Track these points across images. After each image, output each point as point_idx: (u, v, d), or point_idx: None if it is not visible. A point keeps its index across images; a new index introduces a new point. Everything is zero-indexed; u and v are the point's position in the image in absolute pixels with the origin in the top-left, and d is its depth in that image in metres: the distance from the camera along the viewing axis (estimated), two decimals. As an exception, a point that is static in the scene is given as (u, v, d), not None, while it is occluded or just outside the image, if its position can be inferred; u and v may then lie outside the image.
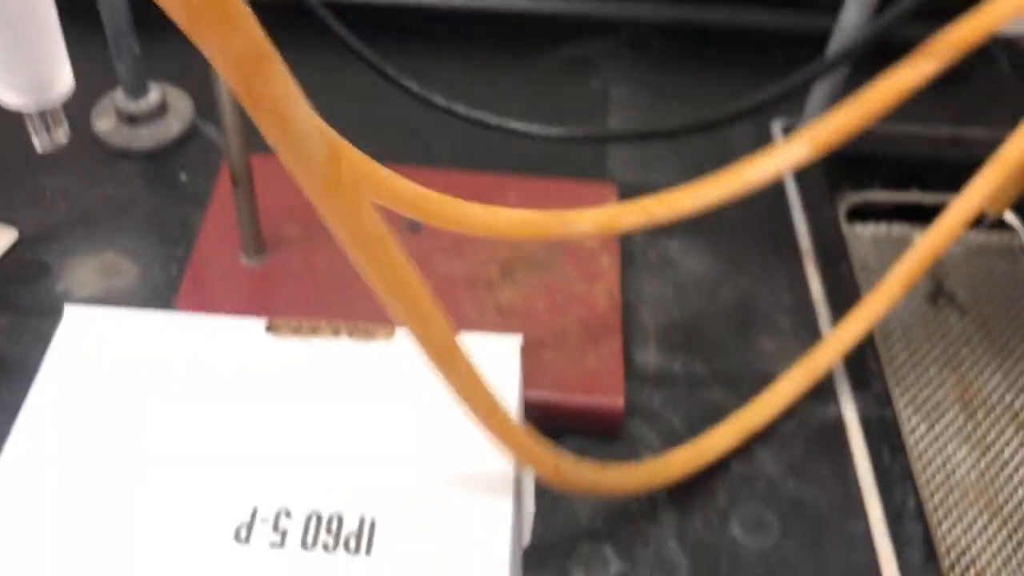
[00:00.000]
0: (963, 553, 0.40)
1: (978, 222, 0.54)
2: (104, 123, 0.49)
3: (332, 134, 0.28)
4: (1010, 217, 0.54)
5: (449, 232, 0.44)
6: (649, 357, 0.43)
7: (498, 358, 0.34)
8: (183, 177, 0.49)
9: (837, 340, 0.40)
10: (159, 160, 0.49)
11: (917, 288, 0.50)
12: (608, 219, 0.37)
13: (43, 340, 0.32)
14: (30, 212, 0.46)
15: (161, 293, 0.43)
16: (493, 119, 0.43)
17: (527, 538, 0.36)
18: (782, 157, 0.38)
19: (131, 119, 0.49)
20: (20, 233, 0.45)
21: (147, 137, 0.49)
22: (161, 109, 0.49)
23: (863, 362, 0.43)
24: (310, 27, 0.38)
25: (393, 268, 0.19)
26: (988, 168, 0.37)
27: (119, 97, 0.49)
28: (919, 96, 0.55)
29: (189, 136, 0.50)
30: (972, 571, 0.40)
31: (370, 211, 0.18)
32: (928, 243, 0.38)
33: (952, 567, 0.40)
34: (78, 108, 0.50)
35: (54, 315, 0.33)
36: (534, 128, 0.42)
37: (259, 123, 0.16)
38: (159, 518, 0.29)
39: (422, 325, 0.20)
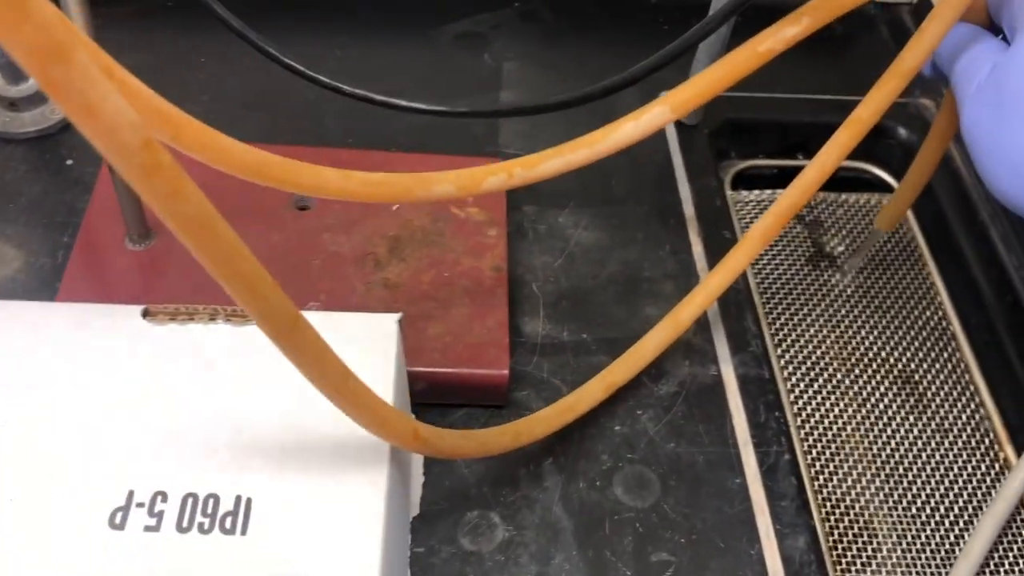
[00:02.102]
0: (838, 504, 0.42)
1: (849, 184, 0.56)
2: (-16, 109, 0.48)
3: (170, 109, 0.28)
4: (889, 179, 0.56)
5: (337, 210, 0.45)
6: (538, 327, 0.44)
7: (377, 335, 0.34)
8: (69, 162, 0.48)
9: (699, 295, 0.41)
10: (45, 145, 0.49)
11: (799, 251, 0.52)
12: (469, 180, 0.37)
13: (-87, 334, 0.32)
14: (-92, 202, 0.45)
15: (46, 281, 0.43)
16: (379, 96, 0.43)
17: (415, 508, 0.37)
18: (644, 120, 0.38)
19: (12, 104, 0.48)
20: (-102, 224, 0.44)
21: (29, 122, 0.48)
22: (42, 93, 0.48)
23: (743, 324, 0.44)
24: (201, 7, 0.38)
25: (223, 249, 0.20)
26: (843, 129, 0.38)
27: (-1, 82, 0.48)
28: (801, 64, 0.57)
29: (75, 120, 0.50)
30: (846, 519, 0.42)
31: (194, 193, 0.19)
32: (786, 201, 0.40)
33: (827, 517, 0.42)
34: (-44, 94, 0.49)
35: (-76, 308, 0.32)
36: (419, 104, 0.43)
37: (65, 112, 0.16)
38: (34, 506, 0.29)
39: (259, 304, 0.21)
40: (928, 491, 0.43)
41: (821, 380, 0.46)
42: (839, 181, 0.56)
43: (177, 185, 0.18)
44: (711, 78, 0.37)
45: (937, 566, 0.41)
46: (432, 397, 0.40)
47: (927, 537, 0.42)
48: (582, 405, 0.39)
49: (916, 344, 0.48)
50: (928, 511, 0.43)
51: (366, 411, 0.26)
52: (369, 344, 0.34)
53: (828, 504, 0.42)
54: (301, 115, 0.52)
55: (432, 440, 0.30)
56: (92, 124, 0.17)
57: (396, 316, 0.35)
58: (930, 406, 0.46)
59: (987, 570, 0.40)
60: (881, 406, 0.46)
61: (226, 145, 0.30)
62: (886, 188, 0.56)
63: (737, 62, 0.37)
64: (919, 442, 0.45)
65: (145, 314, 0.34)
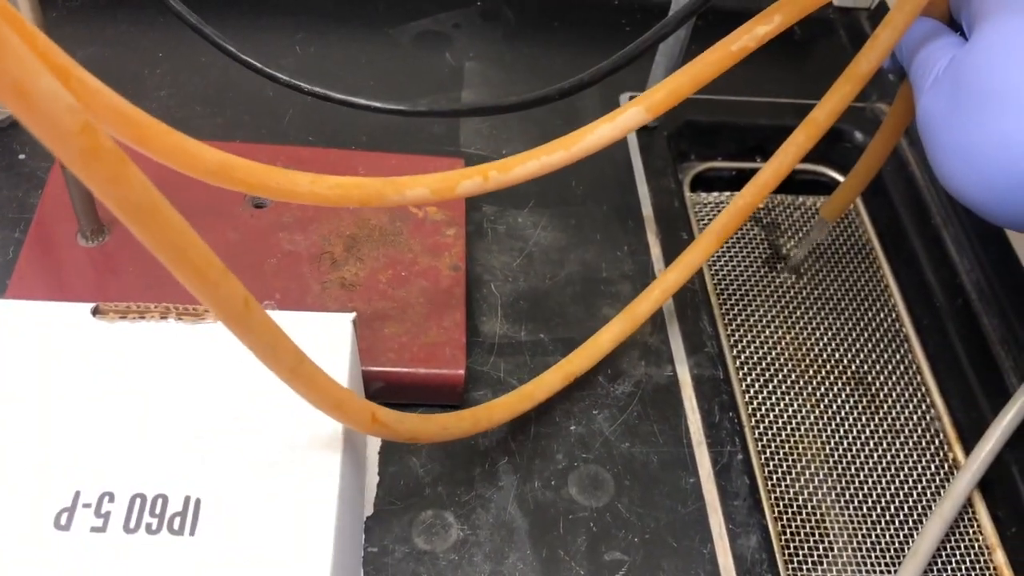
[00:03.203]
0: (791, 503, 0.43)
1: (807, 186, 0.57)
2: (-67, 102, 0.47)
3: (134, 111, 0.28)
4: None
5: (293, 208, 0.44)
6: (495, 327, 0.44)
7: (330, 335, 0.34)
8: (22, 156, 0.47)
9: (655, 290, 0.42)
10: (-4, 139, 0.48)
11: (756, 253, 0.52)
12: (444, 183, 0.37)
13: None
14: None
15: (-3, 277, 0.42)
16: (337, 94, 0.43)
17: (369, 508, 0.37)
18: (619, 121, 0.38)
19: (-38, 98, 0.47)
20: None
21: (-19, 116, 0.47)
22: (-5, 87, 0.48)
23: (698, 325, 0.45)
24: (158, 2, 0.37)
25: (170, 235, 0.19)
26: (800, 130, 0.39)
27: (-51, 75, 0.47)
28: (762, 68, 0.57)
29: (28, 114, 0.49)
30: (799, 518, 0.42)
31: (137, 178, 0.18)
32: (742, 200, 0.40)
33: (780, 516, 0.42)
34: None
35: None
36: (378, 103, 0.42)
37: (-1, 98, 0.16)
38: (-24, 507, 0.28)
39: (210, 290, 0.21)
40: (879, 490, 0.44)
41: (776, 380, 0.47)
42: (795, 183, 0.57)
43: (119, 170, 0.18)
44: (685, 78, 0.37)
45: (887, 564, 0.41)
46: (389, 396, 0.40)
47: (878, 535, 0.42)
48: (541, 393, 0.39)
49: (869, 345, 0.49)
50: (879, 510, 0.43)
51: (322, 393, 0.26)
52: (323, 343, 0.33)
53: (781, 503, 0.43)
54: (260, 112, 0.52)
55: (391, 423, 0.30)
56: (27, 108, 0.16)
57: (350, 315, 0.35)
58: (882, 407, 0.47)
59: (934, 568, 0.41)
60: (834, 406, 0.46)
61: (193, 149, 0.29)
62: (842, 191, 0.56)
63: (710, 62, 0.37)
64: (871, 442, 0.45)
65: (95, 312, 0.33)
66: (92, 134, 0.18)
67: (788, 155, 0.41)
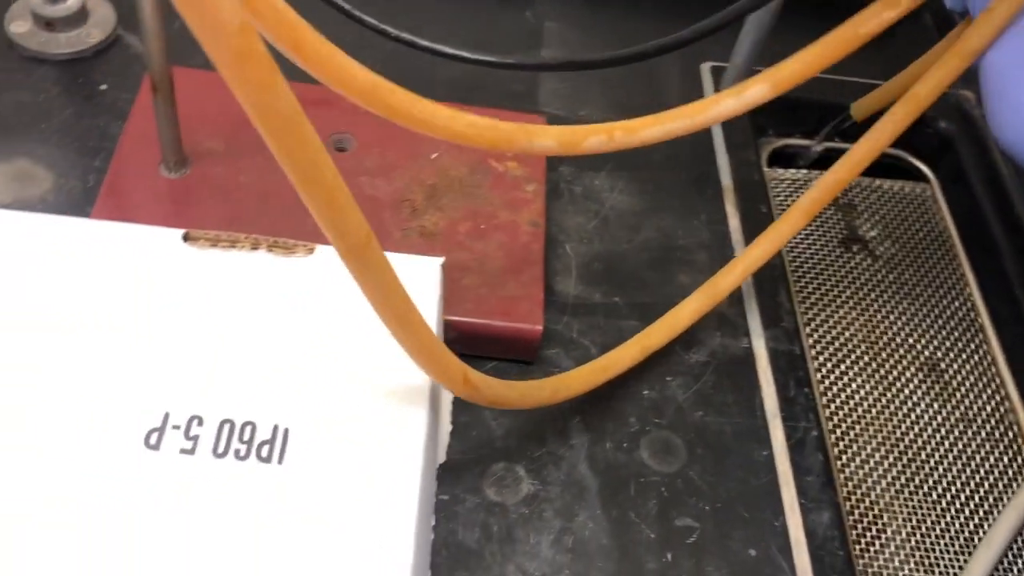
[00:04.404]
0: (860, 484, 0.42)
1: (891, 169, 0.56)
2: (19, 26, 0.47)
3: (293, 16, 0.27)
4: (925, 169, 0.55)
5: (375, 154, 0.44)
6: (569, 287, 0.43)
7: (418, 278, 0.34)
8: (103, 87, 0.47)
9: (738, 266, 0.41)
10: (78, 68, 0.48)
11: (832, 233, 0.51)
12: (571, 137, 0.36)
13: (-52, 241, 0.31)
14: (-62, 114, 0.45)
15: (76, 204, 0.42)
16: (424, 42, 0.42)
17: (442, 455, 0.37)
18: (744, 97, 0.38)
19: (48, 24, 0.47)
20: (-73, 136, 0.43)
21: (65, 43, 0.47)
22: (80, 15, 0.48)
23: (776, 300, 0.44)
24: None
25: (307, 153, 0.19)
26: (899, 104, 0.38)
27: (36, 0, 0.47)
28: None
29: (111, 46, 0.49)
30: (867, 500, 0.42)
31: (284, 90, 0.18)
32: (833, 176, 0.39)
33: (849, 496, 0.42)
34: (-9, 9, 0.48)
35: (-39, 216, 0.32)
36: (464, 52, 0.42)
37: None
38: (68, 422, 0.28)
39: (336, 216, 0.20)
40: (948, 479, 0.43)
41: (848, 362, 0.46)
42: (875, 166, 0.56)
43: (270, 78, 0.17)
44: (811, 57, 0.36)
45: (955, 553, 0.41)
46: (462, 348, 0.39)
47: (946, 524, 0.42)
48: (619, 365, 0.38)
49: (943, 333, 0.48)
50: (948, 499, 0.42)
51: (422, 346, 0.26)
52: (412, 285, 0.33)
53: (849, 484, 0.42)
54: (339, 58, 0.51)
55: (480, 386, 0.30)
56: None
57: (439, 260, 0.34)
58: (954, 395, 0.46)
59: (1005, 562, 0.40)
60: (906, 392, 0.46)
61: (346, 65, 0.29)
62: (921, 178, 0.55)
63: (838, 42, 0.37)
64: (942, 430, 0.45)
65: (186, 238, 0.33)
66: (249, 35, 0.17)
67: (885, 131, 0.40)
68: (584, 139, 0.35)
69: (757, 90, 0.37)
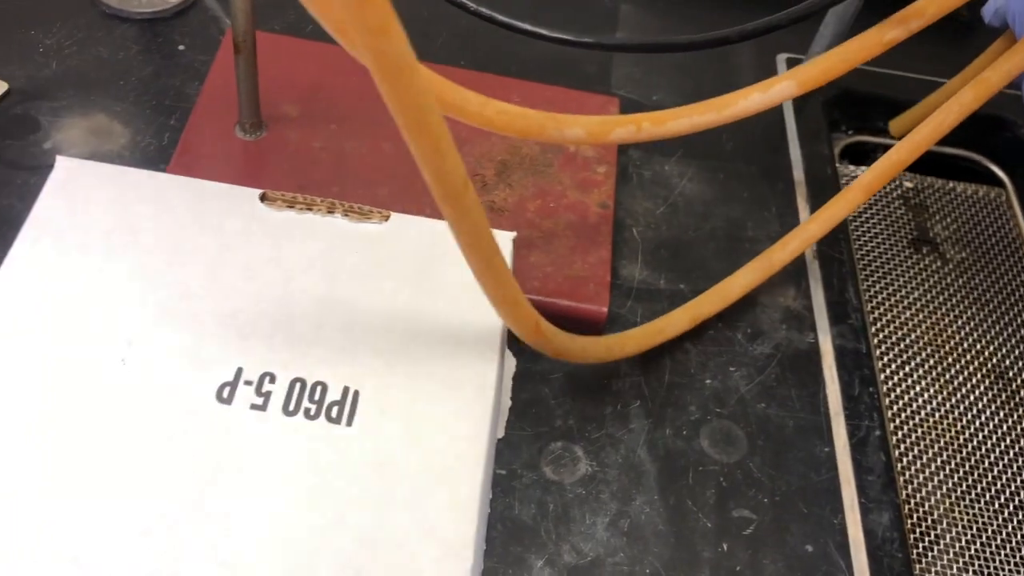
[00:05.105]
0: (920, 488, 0.41)
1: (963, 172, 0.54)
2: (103, -16, 0.48)
3: None
4: (998, 171, 0.54)
5: (448, 127, 0.44)
6: (635, 271, 0.43)
7: (491, 250, 0.34)
8: (181, 47, 0.48)
9: (793, 241, 0.41)
10: (158, 27, 0.48)
11: (902, 233, 0.50)
12: (600, 127, 0.37)
13: (29, 194, 0.31)
14: (21, 67, 0.45)
15: (151, 160, 0.42)
16: (503, 17, 0.42)
17: (501, 430, 0.37)
18: (771, 92, 0.38)
19: (131, -18, 0.48)
20: (10, 87, 0.44)
21: (145, 2, 0.48)
22: (162, -25, 0.48)
23: (844, 296, 0.43)
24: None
25: (416, 98, 0.19)
26: (968, 88, 0.38)
27: (120, -42, 0.47)
28: (923, 45, 0.55)
29: (191, 7, 0.49)
30: (927, 504, 0.41)
31: (400, 35, 0.18)
32: (895, 155, 0.39)
33: (908, 499, 0.41)
34: (76, -34, 0.48)
35: (40, 171, 0.32)
36: (542, 29, 0.42)
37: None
38: (142, 373, 0.29)
39: (439, 161, 0.21)
40: (1012, 490, 0.42)
41: (913, 363, 0.45)
42: (948, 168, 0.55)
43: (387, 22, 0.17)
44: (837, 59, 0.37)
45: (1016, 566, 0.40)
46: (525, 325, 0.39)
47: (1007, 535, 0.41)
48: (671, 329, 0.38)
49: (1012, 341, 0.47)
50: (1010, 510, 0.41)
51: (504, 289, 0.26)
52: (485, 257, 0.33)
53: (910, 487, 0.41)
54: (413, 33, 0.50)
55: (548, 335, 0.30)
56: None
57: (511, 234, 0.34)
58: (1021, 405, 0.45)
59: (1066, 575, 0.40)
60: (971, 398, 0.45)
61: None
62: (997, 182, 0.54)
63: (863, 47, 0.37)
64: (1007, 439, 0.44)
65: (263, 198, 0.33)
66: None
67: (951, 113, 0.39)
68: (612, 130, 0.35)
69: (784, 87, 0.37)
